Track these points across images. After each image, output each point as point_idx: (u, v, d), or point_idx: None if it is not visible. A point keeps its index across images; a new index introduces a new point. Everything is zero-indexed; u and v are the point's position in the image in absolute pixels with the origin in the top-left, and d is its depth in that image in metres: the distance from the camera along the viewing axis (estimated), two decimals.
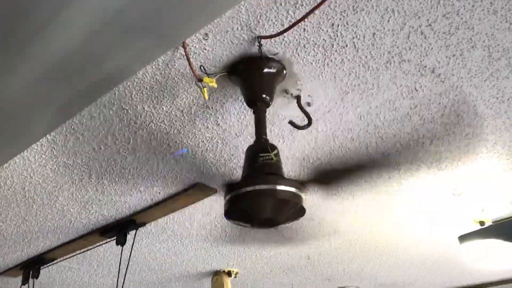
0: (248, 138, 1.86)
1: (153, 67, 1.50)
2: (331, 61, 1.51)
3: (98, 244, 2.72)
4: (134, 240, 2.58)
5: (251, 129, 1.80)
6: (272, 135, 1.85)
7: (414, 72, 1.56)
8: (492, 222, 2.48)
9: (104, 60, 1.10)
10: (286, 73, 1.53)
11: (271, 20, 1.34)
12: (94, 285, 3.50)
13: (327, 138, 1.89)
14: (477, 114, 1.76)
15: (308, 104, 1.70)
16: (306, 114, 1.63)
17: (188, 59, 1.42)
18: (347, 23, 1.37)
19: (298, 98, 1.65)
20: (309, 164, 2.06)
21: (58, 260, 2.92)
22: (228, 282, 3.30)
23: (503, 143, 1.93)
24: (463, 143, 1.92)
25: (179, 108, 1.70)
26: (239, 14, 1.32)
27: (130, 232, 2.53)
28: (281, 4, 1.29)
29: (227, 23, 1.35)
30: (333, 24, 1.37)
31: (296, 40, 1.42)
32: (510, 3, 1.31)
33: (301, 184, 1.68)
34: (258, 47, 1.41)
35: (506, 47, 1.46)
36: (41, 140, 1.80)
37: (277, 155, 1.46)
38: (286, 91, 1.63)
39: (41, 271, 2.94)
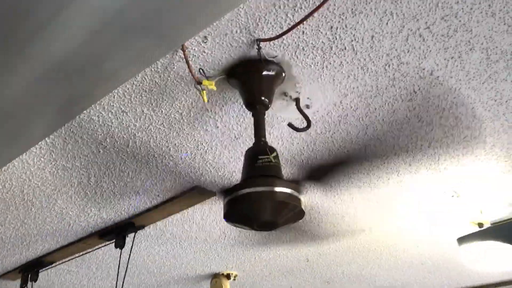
0: (247, 140, 1.86)
1: (152, 70, 1.50)
2: (330, 63, 1.51)
3: (97, 247, 2.71)
4: (133, 243, 2.58)
5: (250, 131, 1.80)
6: (271, 138, 1.86)
7: (413, 75, 1.56)
8: (491, 224, 2.48)
9: (104, 61, 1.10)
10: (285, 75, 1.53)
11: (270, 23, 1.34)
12: None
13: (326, 140, 1.89)
14: (476, 116, 1.76)
15: (307, 107, 1.70)
16: (305, 117, 1.64)
17: (187, 61, 1.43)
18: (345, 26, 1.37)
19: (297, 100, 1.66)
20: (308, 167, 2.06)
21: (57, 263, 2.91)
22: (227, 284, 3.29)
23: (501, 145, 1.93)
24: (462, 145, 1.92)
25: (178, 111, 1.70)
26: (238, 17, 1.32)
27: (129, 235, 2.52)
28: (280, 7, 1.30)
29: (226, 26, 1.35)
30: (332, 27, 1.37)
31: (295, 42, 1.42)
32: (508, 6, 1.31)
33: (300, 184, 1.68)
34: (257, 50, 1.41)
35: (505, 49, 1.47)
36: (40, 143, 1.80)
37: (276, 157, 1.46)
38: (285, 94, 1.63)
39: (40, 274, 2.93)
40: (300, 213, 1.45)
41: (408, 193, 2.29)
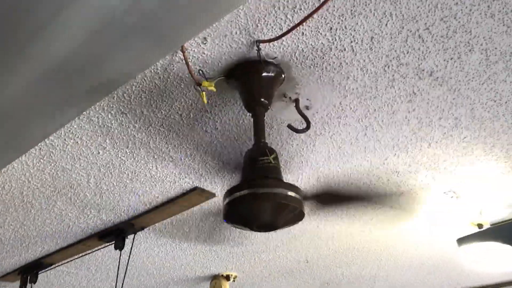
0: (247, 142, 1.86)
1: (152, 71, 1.50)
2: (330, 64, 1.51)
3: (96, 248, 2.71)
4: (132, 244, 2.57)
5: (250, 133, 1.80)
6: (270, 139, 1.86)
7: (412, 76, 1.57)
8: (491, 225, 2.48)
9: (103, 62, 1.10)
10: (284, 77, 1.54)
11: (270, 24, 1.35)
12: None
13: (325, 141, 1.89)
14: (475, 117, 1.76)
15: (307, 108, 1.70)
16: (305, 118, 1.64)
17: (187, 63, 1.43)
18: (345, 27, 1.37)
19: (296, 101, 1.66)
20: (308, 168, 2.06)
21: (56, 265, 2.91)
22: (226, 286, 3.29)
23: (501, 146, 1.93)
24: (461, 146, 1.92)
25: (177, 112, 1.70)
26: (238, 18, 1.32)
27: (129, 237, 2.53)
28: (279, 8, 1.30)
29: (225, 27, 1.35)
30: (331, 28, 1.37)
31: (295, 44, 1.42)
32: (507, 7, 1.32)
33: (301, 190, 1.68)
34: (256, 51, 1.42)
35: (504, 50, 1.47)
36: (39, 144, 1.80)
37: (276, 158, 1.46)
38: (284, 95, 1.63)
39: (39, 276, 2.93)
40: (300, 215, 1.45)
41: (407, 194, 2.29)
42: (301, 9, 1.30)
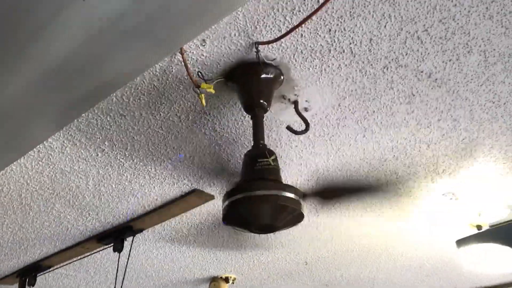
0: (246, 143, 1.86)
1: (151, 73, 1.50)
2: (328, 66, 1.51)
3: (95, 251, 2.70)
4: (131, 246, 2.57)
5: (249, 134, 1.80)
6: (269, 141, 1.85)
7: (411, 77, 1.57)
8: (489, 226, 2.48)
9: (103, 62, 1.10)
10: (283, 78, 1.54)
11: (269, 26, 1.35)
12: None
13: (324, 143, 1.89)
14: (474, 118, 1.76)
15: (306, 110, 1.70)
16: (304, 120, 1.64)
17: (185, 65, 1.43)
18: (344, 29, 1.37)
19: (295, 103, 1.66)
20: (307, 169, 2.06)
21: (55, 267, 2.91)
22: None
23: (499, 147, 1.93)
24: (460, 147, 1.93)
25: (176, 114, 1.70)
26: (237, 20, 1.32)
27: (127, 239, 2.52)
28: (278, 10, 1.30)
29: (224, 29, 1.35)
30: (330, 30, 1.38)
31: (294, 45, 1.42)
32: (505, 8, 1.32)
33: (300, 192, 1.68)
34: (255, 53, 1.41)
35: (502, 51, 1.47)
36: (38, 146, 1.80)
37: (275, 160, 1.46)
38: (283, 97, 1.63)
39: (38, 279, 2.92)
40: (299, 216, 1.45)
41: (406, 195, 2.29)
42: (300, 11, 1.30)
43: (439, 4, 1.30)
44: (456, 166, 2.04)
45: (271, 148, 1.54)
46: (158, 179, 2.08)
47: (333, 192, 2.25)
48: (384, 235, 2.77)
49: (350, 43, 1.43)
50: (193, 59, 1.45)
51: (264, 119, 1.54)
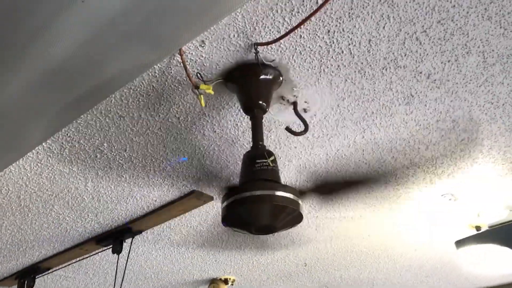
0: (245, 144, 1.86)
1: (150, 74, 1.50)
2: (327, 67, 1.51)
3: (94, 252, 2.70)
4: (130, 248, 2.57)
5: (248, 135, 1.80)
6: (268, 142, 1.86)
7: (410, 78, 1.57)
8: (488, 227, 2.48)
9: (103, 63, 1.10)
10: (282, 79, 1.54)
11: (268, 27, 1.35)
12: None
13: (323, 144, 1.89)
14: (472, 119, 1.77)
15: (305, 111, 1.70)
16: (303, 121, 1.64)
17: (184, 66, 1.43)
18: (343, 30, 1.37)
19: (294, 104, 1.66)
20: (306, 170, 2.06)
21: (54, 269, 2.90)
22: None
23: (498, 148, 1.93)
24: (459, 148, 1.93)
25: (175, 115, 1.70)
26: (236, 21, 1.32)
27: (127, 240, 2.52)
28: (277, 11, 1.30)
29: (223, 30, 1.35)
30: (329, 31, 1.38)
31: (293, 46, 1.42)
32: (504, 9, 1.32)
33: (299, 192, 1.69)
34: (254, 54, 1.42)
35: (501, 52, 1.47)
36: (36, 148, 1.80)
37: (274, 161, 1.46)
38: (282, 98, 1.64)
39: (37, 281, 2.91)
40: (299, 217, 1.45)
41: (406, 196, 2.29)
42: (298, 12, 1.30)
43: (438, 5, 1.30)
44: (455, 167, 2.05)
45: (270, 149, 1.54)
46: (157, 180, 2.08)
47: (332, 193, 2.25)
48: (383, 236, 2.78)
49: (349, 44, 1.43)
50: (192, 60, 1.45)
51: (263, 120, 1.53)
